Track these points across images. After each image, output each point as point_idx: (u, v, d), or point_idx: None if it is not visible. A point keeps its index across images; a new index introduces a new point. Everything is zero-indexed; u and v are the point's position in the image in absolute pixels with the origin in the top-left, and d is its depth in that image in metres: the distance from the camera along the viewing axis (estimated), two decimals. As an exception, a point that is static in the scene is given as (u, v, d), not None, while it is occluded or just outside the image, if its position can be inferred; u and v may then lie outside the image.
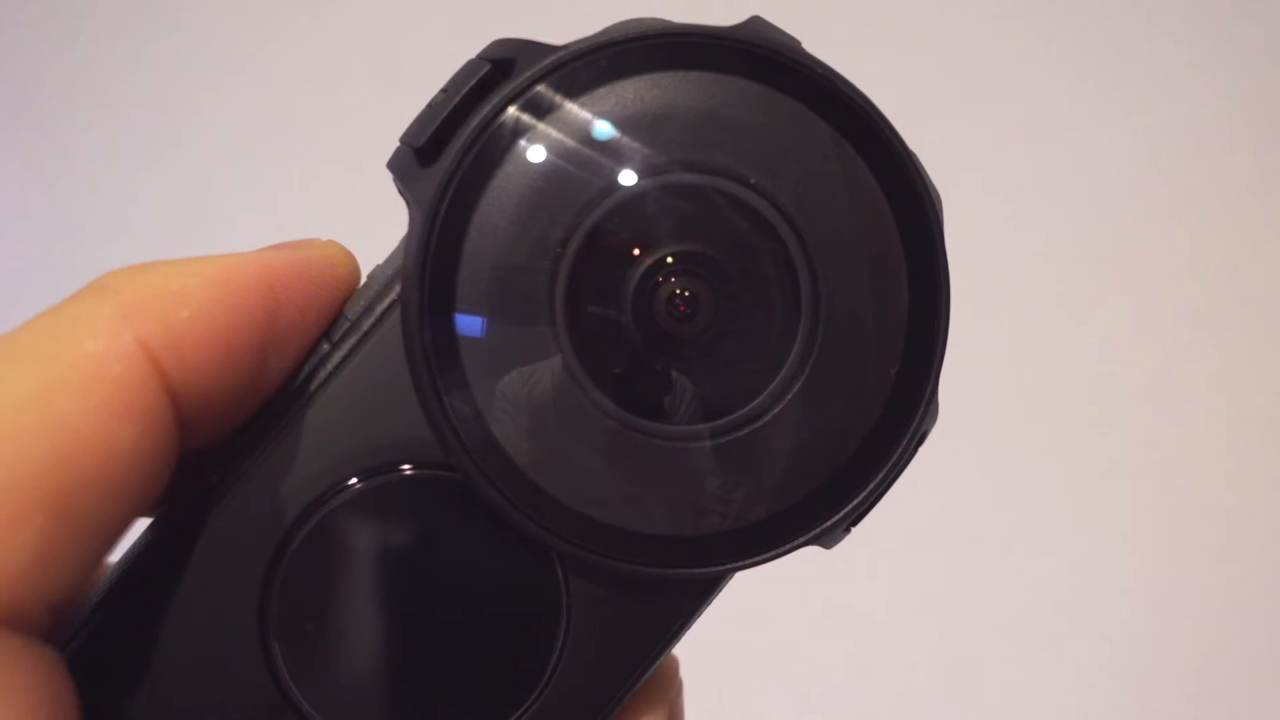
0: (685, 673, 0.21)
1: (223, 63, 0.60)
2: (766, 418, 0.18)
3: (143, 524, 0.18)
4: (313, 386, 0.18)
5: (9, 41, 0.61)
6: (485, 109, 0.17)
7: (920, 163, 0.18)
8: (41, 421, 0.14)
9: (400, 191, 0.18)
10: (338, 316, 0.18)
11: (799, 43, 0.18)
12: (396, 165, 0.18)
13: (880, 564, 0.55)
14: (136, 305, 0.15)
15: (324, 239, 0.19)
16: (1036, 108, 0.55)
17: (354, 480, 0.18)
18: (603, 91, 0.18)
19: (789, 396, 0.18)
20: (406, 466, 0.18)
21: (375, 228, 0.21)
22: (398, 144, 0.18)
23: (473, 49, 0.18)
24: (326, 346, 0.18)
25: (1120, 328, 0.55)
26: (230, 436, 0.18)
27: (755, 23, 0.18)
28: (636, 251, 0.18)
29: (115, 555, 0.17)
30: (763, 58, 0.18)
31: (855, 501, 0.18)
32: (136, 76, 0.61)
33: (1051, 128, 0.55)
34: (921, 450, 0.19)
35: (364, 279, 0.19)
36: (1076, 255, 0.55)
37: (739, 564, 0.18)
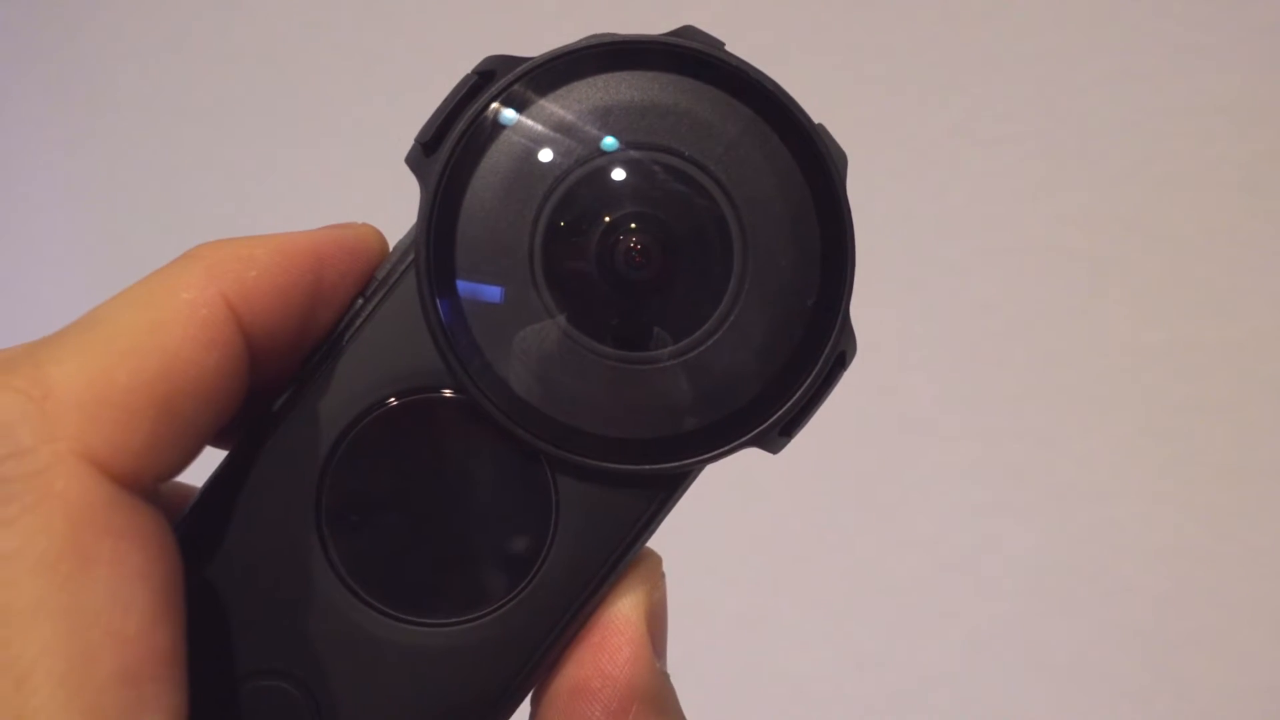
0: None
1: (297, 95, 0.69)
2: (708, 344, 0.23)
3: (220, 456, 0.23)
4: (350, 331, 0.23)
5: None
6: (472, 107, 0.22)
7: (824, 130, 0.23)
8: (152, 346, 0.19)
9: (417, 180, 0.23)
10: (370, 279, 0.23)
11: (723, 44, 0.23)
12: (411, 158, 0.23)
13: (913, 534, 0.58)
14: (218, 267, 0.21)
15: (360, 222, 0.24)
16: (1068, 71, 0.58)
17: (392, 400, 0.23)
18: (563, 90, 0.22)
19: (726, 326, 0.23)
20: (447, 392, 0.23)
21: (404, 214, 0.26)
22: (413, 143, 0.23)
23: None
24: (361, 301, 0.23)
25: (1153, 293, 0.56)
26: (289, 378, 0.23)
27: (686, 29, 0.23)
28: (596, 215, 0.23)
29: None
30: (688, 56, 0.22)
31: (784, 409, 0.23)
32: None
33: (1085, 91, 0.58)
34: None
35: (391, 249, 0.24)
36: (1111, 219, 0.57)
37: (688, 461, 0.23)
